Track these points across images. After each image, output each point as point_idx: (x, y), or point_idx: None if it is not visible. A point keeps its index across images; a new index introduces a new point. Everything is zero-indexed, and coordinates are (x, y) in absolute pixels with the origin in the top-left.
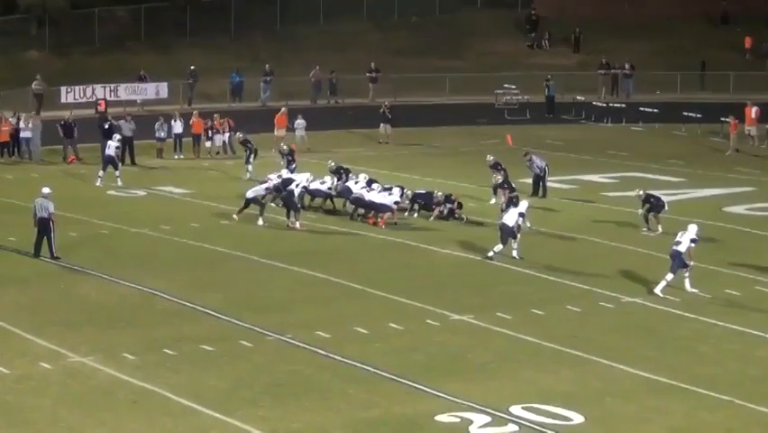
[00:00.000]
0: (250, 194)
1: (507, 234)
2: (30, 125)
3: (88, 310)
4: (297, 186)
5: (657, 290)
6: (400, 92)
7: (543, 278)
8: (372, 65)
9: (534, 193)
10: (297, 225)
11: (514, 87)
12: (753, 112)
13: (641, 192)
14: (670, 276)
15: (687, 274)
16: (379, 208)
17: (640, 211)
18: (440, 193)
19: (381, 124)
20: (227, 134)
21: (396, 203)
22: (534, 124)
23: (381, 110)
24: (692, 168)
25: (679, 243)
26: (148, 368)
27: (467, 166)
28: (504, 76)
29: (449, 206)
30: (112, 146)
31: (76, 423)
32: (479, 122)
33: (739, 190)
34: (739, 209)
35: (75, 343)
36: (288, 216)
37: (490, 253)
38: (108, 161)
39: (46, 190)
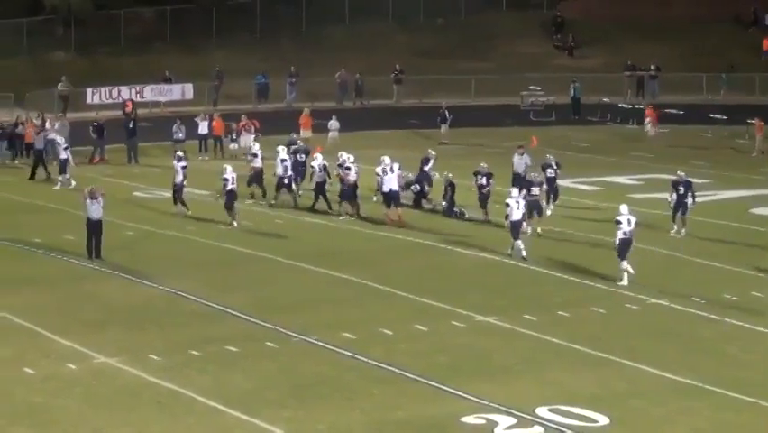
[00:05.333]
0: None
1: (519, 228)
2: (56, 126)
3: (114, 311)
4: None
5: (624, 282)
6: (425, 94)
7: (568, 279)
8: (397, 66)
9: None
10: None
11: (539, 88)
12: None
13: (681, 174)
14: (625, 264)
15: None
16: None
17: (670, 198)
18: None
19: (442, 125)
20: (252, 136)
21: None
22: (559, 125)
23: (441, 111)
24: (718, 169)
25: (629, 230)
26: (173, 369)
27: (493, 168)
28: (529, 77)
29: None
30: (61, 150)
31: (101, 424)
32: (504, 123)
33: (765, 192)
34: (765, 211)
35: (100, 344)
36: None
37: (524, 254)
38: (64, 164)
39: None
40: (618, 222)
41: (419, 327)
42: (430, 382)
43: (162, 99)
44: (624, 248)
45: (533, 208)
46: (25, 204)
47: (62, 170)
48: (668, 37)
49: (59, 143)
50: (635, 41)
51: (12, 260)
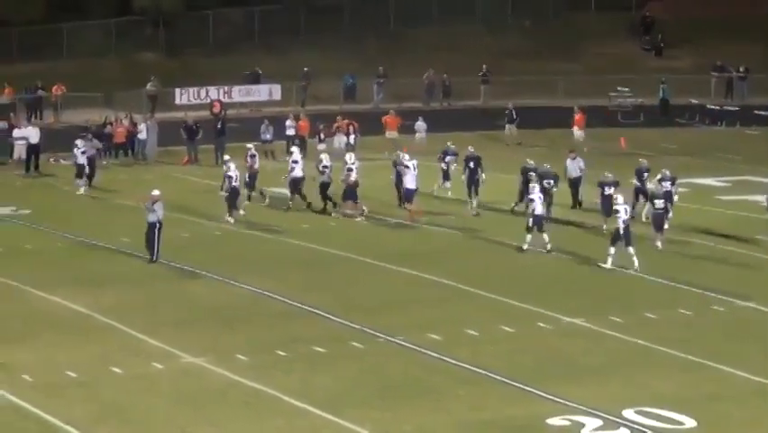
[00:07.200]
0: None
1: (542, 221)
2: (142, 126)
3: (201, 311)
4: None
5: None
6: (512, 95)
7: (655, 281)
8: (484, 67)
9: (573, 202)
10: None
11: (627, 89)
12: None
13: None
14: (632, 249)
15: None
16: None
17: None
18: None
19: (507, 126)
20: (352, 136)
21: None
22: (647, 127)
23: (507, 111)
24: None
25: (627, 219)
26: (260, 369)
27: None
28: (617, 78)
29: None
30: (78, 154)
31: (187, 423)
32: (590, 124)
33: None
34: None
35: (187, 343)
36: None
37: (549, 246)
38: (80, 168)
39: (155, 193)
40: (617, 211)
41: (505, 328)
42: (516, 384)
43: (250, 100)
44: (627, 235)
45: (657, 222)
46: (113, 204)
47: (79, 174)
48: (758, 37)
49: (77, 145)
50: (724, 40)
51: (99, 259)
